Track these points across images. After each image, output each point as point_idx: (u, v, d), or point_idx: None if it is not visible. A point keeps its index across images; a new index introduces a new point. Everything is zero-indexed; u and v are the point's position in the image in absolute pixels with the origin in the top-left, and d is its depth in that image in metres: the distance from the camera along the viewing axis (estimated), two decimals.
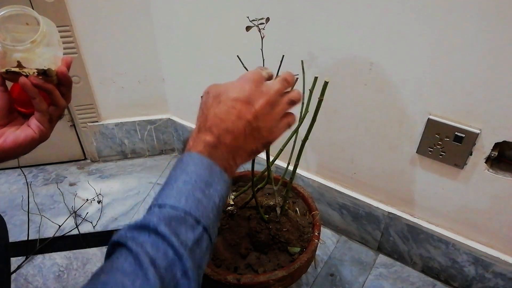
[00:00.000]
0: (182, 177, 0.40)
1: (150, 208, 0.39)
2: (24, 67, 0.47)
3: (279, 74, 0.70)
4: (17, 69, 0.47)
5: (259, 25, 0.65)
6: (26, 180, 1.25)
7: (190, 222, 0.38)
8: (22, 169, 1.26)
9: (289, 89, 0.49)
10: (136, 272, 0.32)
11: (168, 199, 0.39)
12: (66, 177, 1.28)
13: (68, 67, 0.51)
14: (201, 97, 0.47)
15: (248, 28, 0.65)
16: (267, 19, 0.64)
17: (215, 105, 0.44)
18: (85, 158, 1.37)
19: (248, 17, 0.65)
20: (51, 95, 0.50)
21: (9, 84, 0.51)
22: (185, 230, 0.37)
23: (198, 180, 0.40)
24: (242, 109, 0.43)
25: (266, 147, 0.46)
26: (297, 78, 0.53)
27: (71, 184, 1.25)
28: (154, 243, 0.35)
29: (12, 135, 0.50)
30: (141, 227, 0.36)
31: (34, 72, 0.47)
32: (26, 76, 0.47)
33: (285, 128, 0.47)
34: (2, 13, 0.46)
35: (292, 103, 0.48)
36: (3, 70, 0.47)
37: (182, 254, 0.35)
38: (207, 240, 0.39)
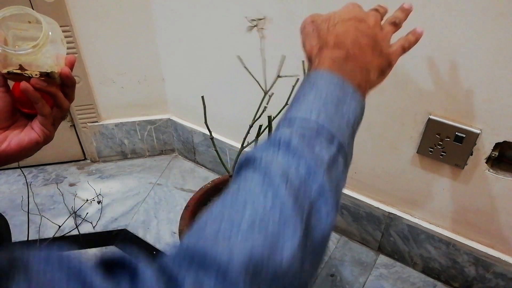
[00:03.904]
0: (312, 92, 0.37)
1: (278, 124, 0.36)
2: (26, 69, 0.46)
3: (279, 74, 0.70)
4: (19, 71, 0.46)
5: (259, 25, 0.65)
6: (26, 180, 1.25)
7: (325, 136, 0.33)
8: (22, 169, 1.26)
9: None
10: (265, 192, 0.29)
11: (299, 112, 0.35)
12: (66, 178, 1.28)
13: (72, 67, 0.50)
14: (302, 29, 0.46)
15: (250, 28, 0.65)
16: (268, 20, 0.64)
17: (331, 28, 0.42)
18: (85, 159, 1.37)
19: (246, 17, 0.65)
20: (54, 97, 0.49)
21: (10, 83, 0.50)
22: (320, 145, 0.33)
23: (329, 98, 0.36)
24: (359, 26, 0.42)
25: (390, 68, 0.45)
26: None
27: (71, 185, 1.25)
28: (285, 158, 0.31)
29: (16, 138, 0.49)
30: (271, 142, 0.33)
31: (36, 74, 0.46)
32: (29, 77, 0.46)
33: (400, 50, 0.47)
34: (2, 13, 0.45)
35: (393, 24, 0.47)
36: (5, 71, 0.46)
37: (317, 170, 0.31)
38: (343, 162, 0.35)
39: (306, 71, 0.71)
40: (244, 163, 0.33)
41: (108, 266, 0.25)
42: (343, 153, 0.35)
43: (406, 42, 0.48)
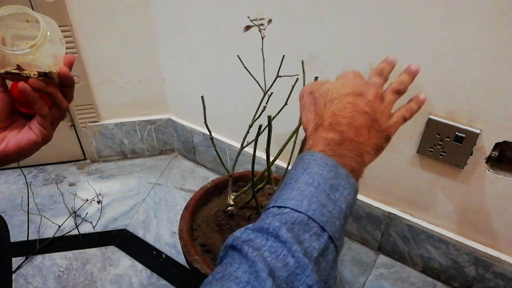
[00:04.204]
0: (304, 178, 0.36)
1: (267, 210, 0.35)
2: (24, 69, 0.45)
3: (279, 74, 0.70)
4: (17, 71, 0.45)
5: (260, 25, 0.65)
6: (26, 180, 1.25)
7: (314, 229, 0.33)
8: (22, 169, 1.26)
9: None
10: (251, 282, 0.28)
11: (289, 201, 0.34)
12: (66, 177, 1.28)
13: (70, 66, 0.50)
14: (301, 98, 0.45)
15: (247, 28, 0.65)
16: (269, 21, 0.64)
17: (328, 104, 0.41)
18: (85, 158, 1.37)
19: (248, 17, 0.65)
20: (53, 97, 0.48)
21: (9, 83, 0.50)
22: (309, 238, 0.32)
23: (322, 182, 0.35)
24: (357, 102, 0.41)
25: (388, 142, 0.44)
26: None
27: (70, 184, 1.25)
28: (274, 249, 0.31)
29: (14, 139, 0.48)
30: (259, 230, 0.32)
31: (35, 74, 0.45)
32: (27, 77, 0.45)
33: (401, 121, 0.45)
34: (0, 13, 0.45)
35: (397, 92, 0.46)
36: (3, 71, 0.45)
37: (306, 265, 0.30)
38: (333, 252, 0.34)
39: (303, 70, 0.71)
40: (231, 247, 0.33)
41: None
42: (333, 245, 0.34)
43: (408, 111, 0.46)
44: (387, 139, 0.43)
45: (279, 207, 0.34)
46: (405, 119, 0.46)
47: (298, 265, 0.30)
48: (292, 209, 0.34)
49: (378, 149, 0.43)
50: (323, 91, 0.43)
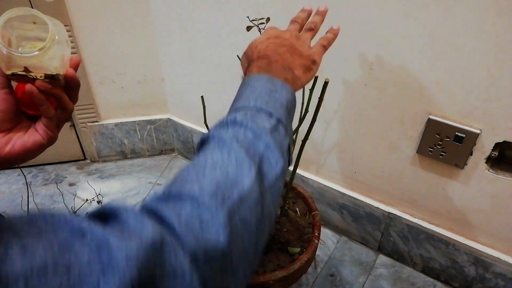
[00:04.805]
0: (247, 91, 0.44)
1: (224, 117, 0.42)
2: (31, 71, 0.45)
3: None
4: (23, 73, 0.45)
5: (259, 25, 0.65)
6: (26, 180, 1.25)
7: (264, 115, 0.40)
8: (22, 169, 1.26)
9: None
10: (221, 149, 0.36)
11: (239, 104, 0.42)
12: (66, 177, 1.28)
13: (76, 68, 0.50)
14: (241, 57, 0.53)
15: (249, 28, 0.65)
16: (268, 19, 0.64)
17: (254, 49, 0.50)
18: (85, 158, 1.37)
19: (248, 17, 0.65)
20: (59, 99, 0.48)
21: (13, 84, 0.50)
22: (261, 119, 0.40)
23: (262, 90, 0.43)
24: (276, 41, 0.50)
25: (315, 64, 0.51)
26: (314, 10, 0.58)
27: (70, 184, 1.25)
28: (234, 129, 0.38)
29: (20, 141, 0.48)
30: (220, 124, 0.40)
31: (41, 76, 0.45)
32: (33, 78, 0.45)
33: (320, 48, 0.52)
34: (8, 15, 0.45)
35: (309, 29, 0.54)
36: (9, 72, 0.45)
37: (260, 134, 0.38)
38: (283, 131, 0.41)
39: None
40: (200, 143, 0.39)
41: (97, 218, 0.28)
42: (283, 125, 0.41)
43: (325, 40, 0.54)
44: (313, 62, 0.51)
45: (233, 110, 0.42)
46: (324, 47, 0.53)
47: (255, 134, 0.38)
48: (243, 106, 0.41)
49: (306, 68, 0.50)
50: (249, 45, 0.52)
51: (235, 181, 0.33)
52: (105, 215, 0.28)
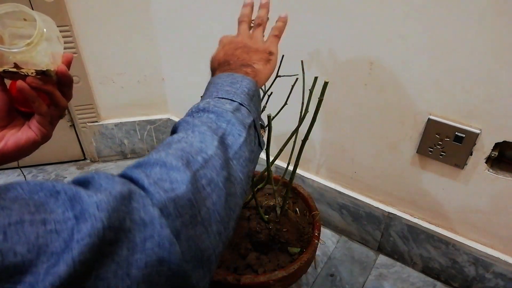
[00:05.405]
0: (210, 87, 0.49)
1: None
2: (22, 68, 0.45)
3: (278, 73, 0.70)
4: (14, 69, 0.45)
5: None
6: (26, 180, 1.25)
7: (225, 100, 0.45)
8: (22, 169, 1.26)
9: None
10: (185, 130, 0.40)
11: (204, 98, 0.47)
12: (66, 177, 1.28)
13: (69, 65, 0.49)
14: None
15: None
16: (267, 19, 0.64)
17: (214, 61, 0.55)
18: (85, 158, 1.37)
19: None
20: (51, 95, 0.48)
21: (8, 82, 0.50)
22: (222, 104, 0.44)
23: (224, 83, 0.48)
24: (231, 46, 0.55)
25: (273, 55, 0.54)
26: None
27: None
28: (199, 115, 0.43)
29: (13, 138, 0.48)
30: (187, 115, 0.44)
31: (32, 72, 0.45)
32: (25, 75, 0.45)
33: (273, 39, 0.56)
34: None
35: (258, 25, 0.58)
36: (1, 69, 0.45)
37: (222, 113, 0.43)
38: (246, 111, 0.45)
39: (302, 70, 0.71)
40: (171, 133, 0.43)
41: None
42: (245, 107, 0.45)
43: (276, 30, 0.58)
44: (270, 53, 0.54)
45: (197, 105, 0.45)
46: (276, 36, 0.57)
47: (217, 115, 0.43)
48: (206, 100, 0.45)
49: (265, 60, 0.53)
50: (210, 61, 0.56)
51: (199, 149, 0.37)
52: (81, 184, 0.31)
